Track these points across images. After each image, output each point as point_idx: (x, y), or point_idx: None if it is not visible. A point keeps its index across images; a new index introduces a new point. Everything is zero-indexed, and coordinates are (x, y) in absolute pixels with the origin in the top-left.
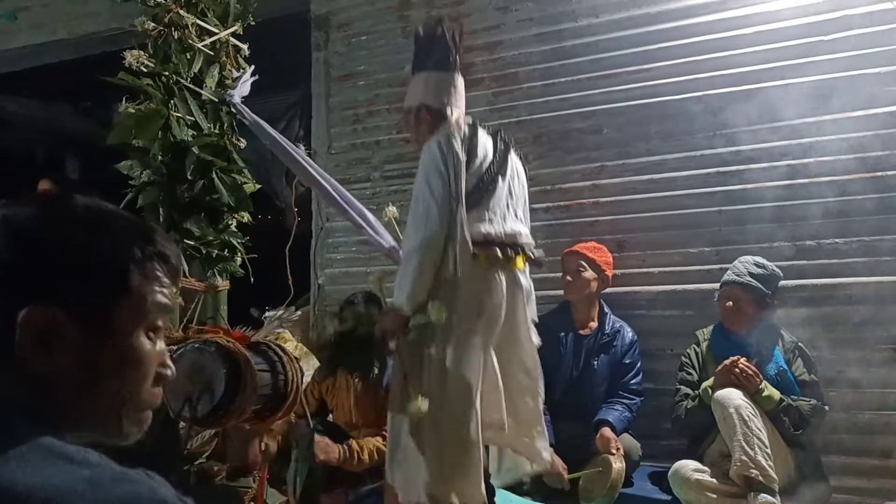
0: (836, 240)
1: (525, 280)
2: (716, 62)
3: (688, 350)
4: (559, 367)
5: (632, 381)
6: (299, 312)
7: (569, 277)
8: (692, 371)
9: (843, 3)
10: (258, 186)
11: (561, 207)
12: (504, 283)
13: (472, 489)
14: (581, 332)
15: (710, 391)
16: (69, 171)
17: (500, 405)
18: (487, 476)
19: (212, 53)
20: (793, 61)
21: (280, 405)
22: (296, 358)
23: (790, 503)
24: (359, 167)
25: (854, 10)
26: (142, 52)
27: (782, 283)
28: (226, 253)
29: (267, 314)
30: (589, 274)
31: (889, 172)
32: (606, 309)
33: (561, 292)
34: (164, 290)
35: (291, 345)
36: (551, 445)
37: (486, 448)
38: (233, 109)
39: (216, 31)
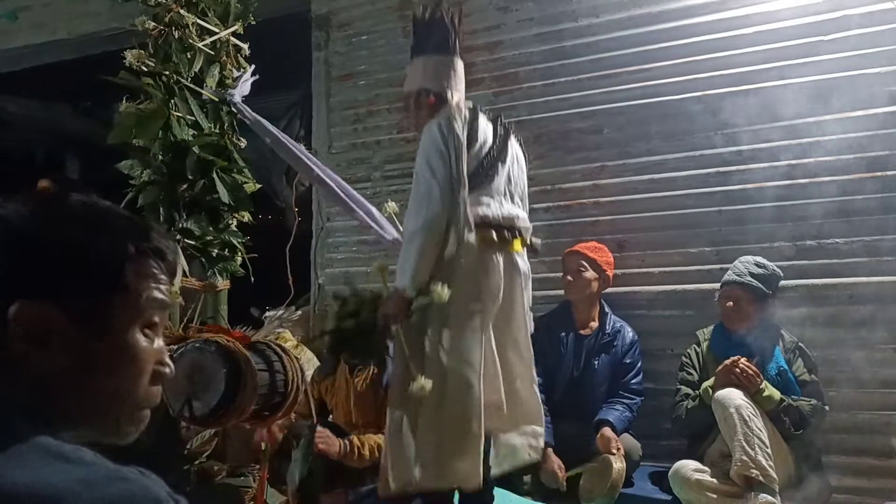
0: (837, 239)
1: (523, 263)
2: (716, 62)
3: (688, 350)
4: (560, 366)
5: (632, 381)
6: (300, 312)
7: (569, 277)
8: (692, 371)
9: (843, 3)
10: (258, 186)
11: (561, 207)
12: (501, 264)
13: (470, 471)
14: (582, 331)
15: (710, 391)
16: (69, 170)
17: (498, 386)
18: (488, 469)
19: (212, 53)
20: (793, 61)
21: (280, 405)
22: (296, 357)
23: (790, 503)
24: (359, 167)
25: (854, 9)
26: (142, 52)
27: (783, 282)
28: (226, 252)
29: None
30: (590, 274)
31: (889, 172)
32: (607, 309)
33: (561, 292)
34: (161, 287)
35: (292, 344)
36: (551, 446)
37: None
38: (233, 109)
39: (217, 30)
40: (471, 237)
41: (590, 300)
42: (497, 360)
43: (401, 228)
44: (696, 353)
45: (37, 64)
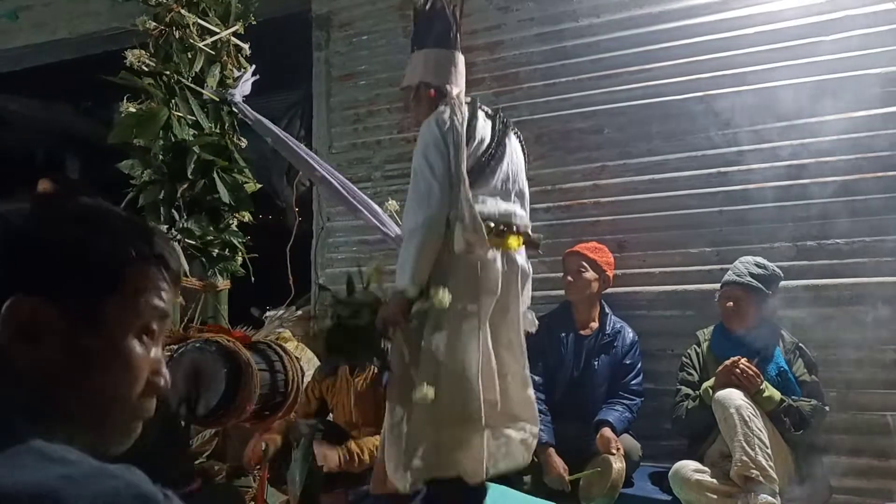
0: (838, 240)
1: (522, 261)
2: (717, 62)
3: (688, 350)
4: (560, 367)
5: (632, 382)
6: (300, 312)
7: (570, 278)
8: (693, 371)
9: (845, 3)
10: (259, 186)
11: (562, 207)
12: (498, 261)
13: (473, 465)
14: (582, 332)
15: (710, 391)
16: (70, 170)
17: (494, 384)
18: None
19: (213, 53)
20: (795, 61)
21: (280, 405)
22: (296, 357)
23: None
24: (360, 167)
25: (855, 10)
26: (143, 52)
27: (783, 283)
28: (227, 252)
29: (268, 314)
30: (590, 274)
31: (890, 172)
32: (607, 309)
33: (562, 292)
34: (162, 294)
35: (292, 344)
36: (552, 446)
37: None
38: (234, 108)
39: (217, 30)
40: (472, 235)
41: (590, 301)
42: (493, 357)
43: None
44: (697, 354)
45: (37, 63)
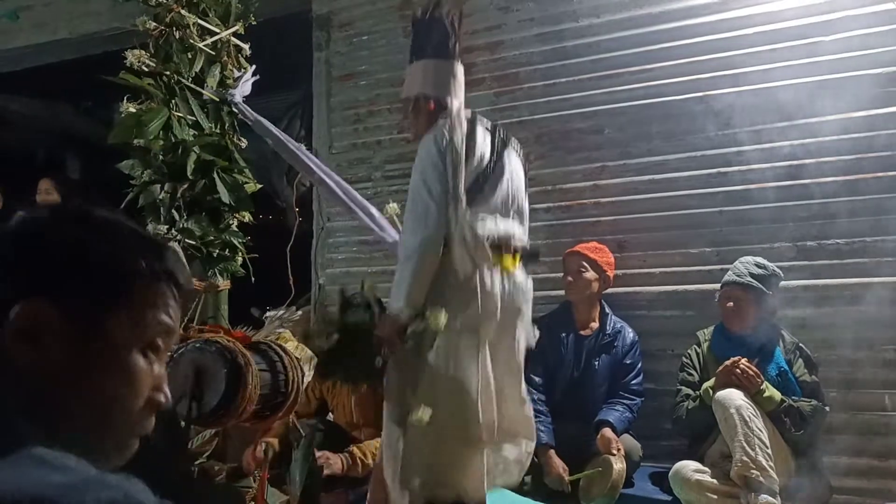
0: (838, 240)
1: (521, 279)
2: (718, 62)
3: (689, 350)
4: (560, 367)
5: (632, 382)
6: (300, 312)
7: (570, 278)
8: (693, 371)
9: (845, 3)
10: (259, 186)
11: (562, 207)
12: (497, 283)
13: (473, 485)
14: (582, 332)
15: (710, 392)
16: (70, 170)
17: (492, 406)
18: None
19: (213, 53)
20: (795, 62)
21: (280, 405)
22: (296, 357)
23: None
24: (360, 167)
25: (855, 10)
26: (143, 52)
27: (783, 283)
28: (227, 252)
29: (268, 314)
30: (590, 274)
31: (891, 173)
32: (607, 309)
33: (562, 292)
34: (169, 310)
35: (292, 345)
36: (552, 447)
37: None
38: (234, 109)
39: (217, 30)
40: (473, 257)
41: (590, 301)
42: (492, 379)
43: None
44: (697, 354)
45: (38, 64)
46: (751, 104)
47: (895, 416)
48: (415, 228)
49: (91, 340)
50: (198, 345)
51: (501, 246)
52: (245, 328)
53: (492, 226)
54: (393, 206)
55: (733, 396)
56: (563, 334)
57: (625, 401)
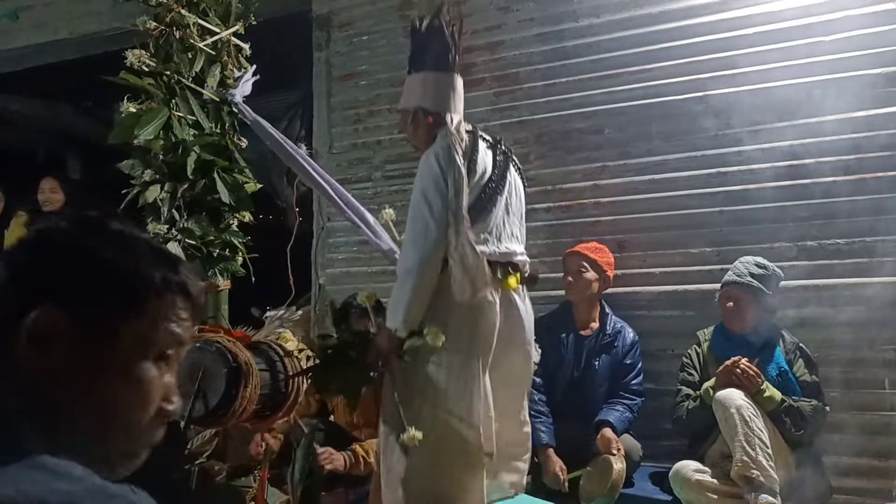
0: (838, 240)
1: (520, 300)
2: (718, 62)
3: (689, 350)
4: (560, 367)
5: (633, 382)
6: (300, 312)
7: (570, 278)
8: (693, 371)
9: (845, 3)
10: (259, 186)
11: (562, 207)
12: (498, 304)
13: None
14: (582, 332)
15: (711, 392)
16: (70, 170)
17: (490, 430)
18: None
19: (213, 53)
20: (795, 61)
21: (280, 405)
22: (297, 358)
23: None
24: (360, 167)
25: (856, 10)
26: (143, 52)
27: (783, 283)
28: (227, 252)
29: (268, 314)
30: (590, 275)
31: (891, 173)
32: (608, 309)
33: (562, 292)
34: (181, 322)
35: (292, 345)
36: (551, 446)
37: None
38: (234, 109)
39: (218, 30)
40: (472, 275)
41: (590, 301)
42: (491, 403)
43: (397, 237)
44: (697, 354)
45: (38, 64)
46: (751, 104)
47: (895, 416)
48: (414, 246)
49: (103, 350)
50: (198, 345)
51: (503, 265)
52: (245, 328)
53: (494, 246)
54: (389, 212)
55: (733, 396)
56: (564, 334)
57: (625, 401)
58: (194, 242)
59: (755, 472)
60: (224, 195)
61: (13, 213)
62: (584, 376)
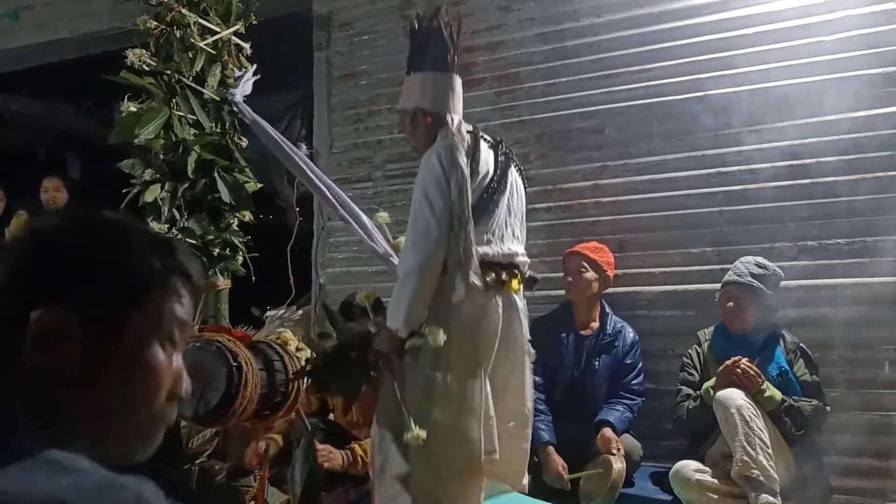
0: (838, 240)
1: (520, 301)
2: (718, 62)
3: (689, 350)
4: (560, 367)
5: (633, 382)
6: (300, 312)
7: (570, 278)
8: (693, 371)
9: (845, 3)
10: (260, 185)
11: (562, 207)
12: (500, 306)
13: None
14: (582, 332)
15: (711, 391)
16: (71, 169)
17: (492, 434)
18: None
19: (214, 52)
20: (795, 61)
21: (280, 405)
22: (297, 357)
23: None
24: (360, 167)
25: (856, 10)
26: (144, 51)
27: (783, 283)
28: (227, 252)
29: (268, 313)
30: (590, 275)
31: (891, 172)
32: (608, 309)
33: (562, 292)
34: (183, 304)
35: (292, 345)
36: (552, 444)
37: None
38: (234, 108)
39: (218, 29)
40: (475, 279)
41: (590, 301)
42: (491, 406)
43: (391, 239)
44: (697, 354)
45: (38, 63)
46: (751, 104)
47: (895, 416)
48: (415, 246)
49: (110, 340)
50: (198, 344)
51: (506, 266)
52: (245, 328)
53: (497, 248)
54: (383, 215)
55: (734, 396)
56: (564, 334)
57: (625, 401)
58: (194, 242)
59: (755, 471)
60: (224, 195)
61: (14, 213)
62: (584, 376)
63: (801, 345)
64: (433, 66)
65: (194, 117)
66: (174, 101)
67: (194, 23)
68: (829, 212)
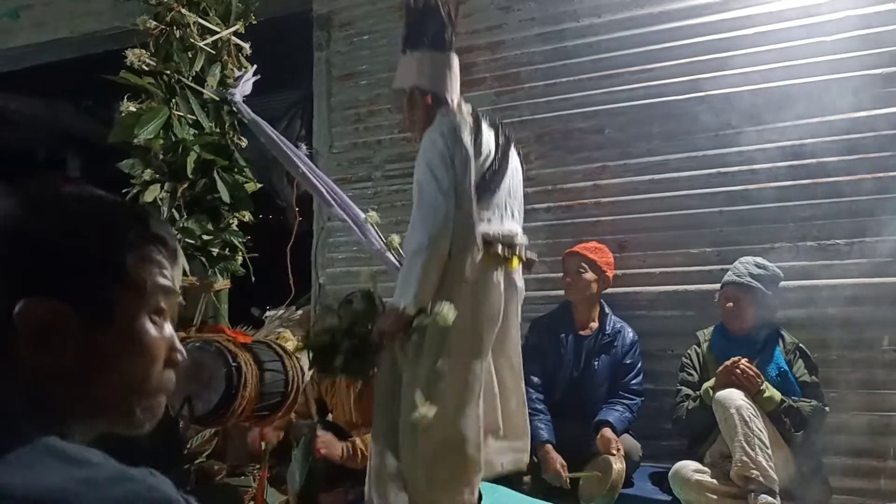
0: (838, 241)
1: (519, 280)
2: (718, 62)
3: (689, 351)
4: (560, 367)
5: (632, 382)
6: (300, 312)
7: (569, 278)
8: (693, 372)
9: (846, 3)
10: (259, 185)
11: (562, 207)
12: (502, 284)
13: (466, 497)
14: (582, 332)
15: (710, 392)
16: (70, 169)
17: (496, 409)
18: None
19: (213, 52)
20: (795, 62)
21: (280, 405)
22: (296, 357)
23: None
24: (360, 166)
25: (856, 10)
26: (143, 51)
27: (783, 283)
28: (227, 252)
29: (268, 313)
30: (589, 275)
31: (891, 173)
32: (607, 309)
33: (561, 292)
34: (165, 272)
35: (292, 344)
36: (551, 443)
37: None
38: (233, 108)
39: (218, 29)
40: (478, 256)
41: (590, 301)
42: (495, 382)
43: (383, 239)
44: (697, 354)
45: (38, 63)
46: (751, 104)
47: (895, 416)
48: (423, 223)
49: (103, 324)
50: (198, 344)
51: (506, 245)
52: (245, 328)
53: (498, 226)
54: (372, 215)
55: (733, 396)
56: (563, 334)
57: (624, 401)
58: (194, 242)
59: (755, 472)
60: (224, 194)
61: None
62: (583, 376)
63: (801, 345)
64: (431, 45)
65: (194, 117)
66: (174, 101)
67: (194, 23)
68: (830, 212)
